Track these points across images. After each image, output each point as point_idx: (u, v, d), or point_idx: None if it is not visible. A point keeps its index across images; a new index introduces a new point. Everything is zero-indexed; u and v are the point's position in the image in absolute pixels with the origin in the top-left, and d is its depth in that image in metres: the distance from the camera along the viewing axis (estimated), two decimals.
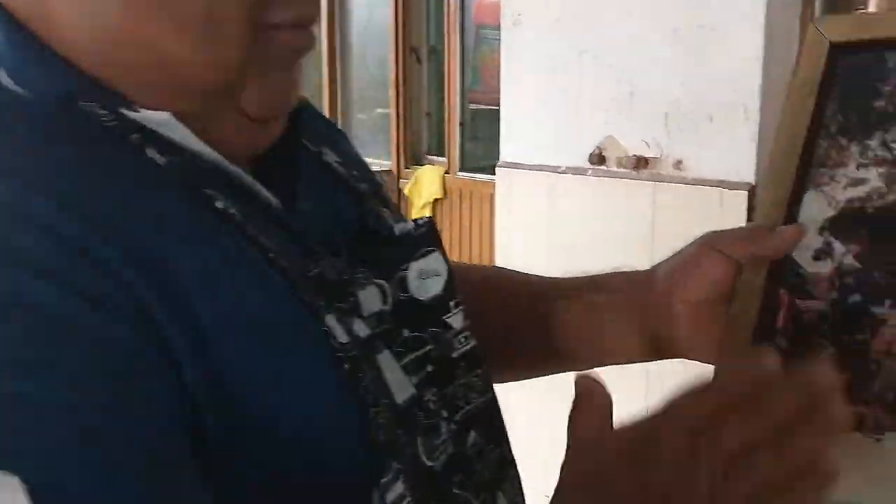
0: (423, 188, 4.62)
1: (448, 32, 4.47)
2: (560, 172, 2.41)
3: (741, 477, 0.42)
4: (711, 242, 0.67)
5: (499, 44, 2.48)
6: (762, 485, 0.42)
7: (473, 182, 4.43)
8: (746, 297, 0.66)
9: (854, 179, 0.64)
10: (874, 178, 0.64)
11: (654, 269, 0.70)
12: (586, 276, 0.75)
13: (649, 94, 2.21)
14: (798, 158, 0.66)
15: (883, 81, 0.63)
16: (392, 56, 4.72)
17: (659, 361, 0.71)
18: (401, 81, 4.71)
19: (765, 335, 0.64)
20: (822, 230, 0.65)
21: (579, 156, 2.35)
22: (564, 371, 0.73)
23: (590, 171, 2.30)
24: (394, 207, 0.66)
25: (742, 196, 1.95)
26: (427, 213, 4.55)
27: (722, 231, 0.67)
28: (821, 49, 0.64)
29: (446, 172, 4.56)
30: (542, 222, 2.44)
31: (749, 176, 1.92)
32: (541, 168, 2.39)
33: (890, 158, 0.63)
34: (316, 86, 4.92)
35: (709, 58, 2.08)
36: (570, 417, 0.47)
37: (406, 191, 4.71)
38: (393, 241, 0.60)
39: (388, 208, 0.64)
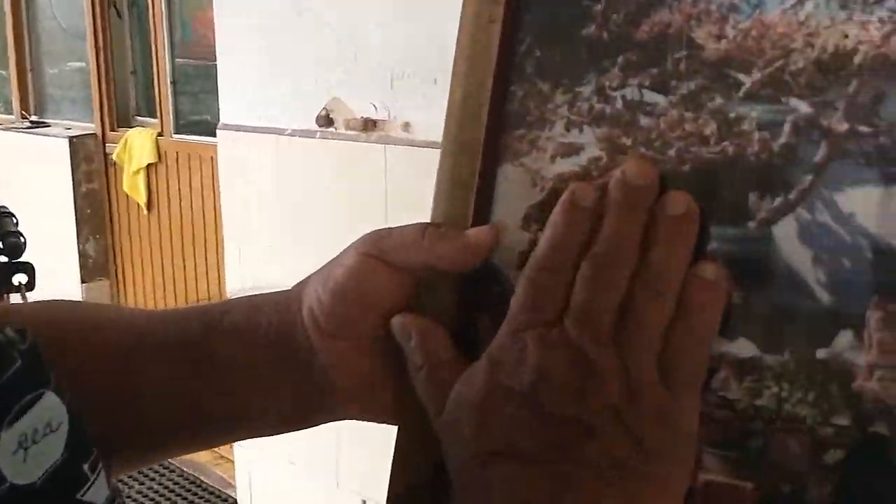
0: (133, 153, 4.14)
1: None
2: (287, 135, 2.26)
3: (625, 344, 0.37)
4: (375, 249, 0.44)
5: None
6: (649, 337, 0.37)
7: (191, 145, 3.94)
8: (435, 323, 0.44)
9: (564, 145, 0.44)
10: (591, 142, 0.43)
11: (304, 289, 0.46)
12: (242, 302, 0.49)
13: (374, 55, 2.09)
14: (484, 117, 0.44)
15: None
16: (87, 6, 4.29)
17: None
18: (99, 34, 4.29)
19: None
20: (527, 222, 0.44)
21: (306, 118, 2.22)
22: (246, 436, 0.48)
23: (318, 134, 2.18)
24: None
25: None
26: (140, 179, 4.12)
27: (390, 231, 0.45)
28: None
29: (159, 135, 4.10)
30: (271, 187, 2.33)
31: None
32: (266, 130, 2.25)
33: (611, 113, 0.43)
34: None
35: (433, 19, 1.97)
36: None
37: (115, 156, 4.24)
38: None
39: None
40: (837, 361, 0.37)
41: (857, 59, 0.38)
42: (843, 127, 0.38)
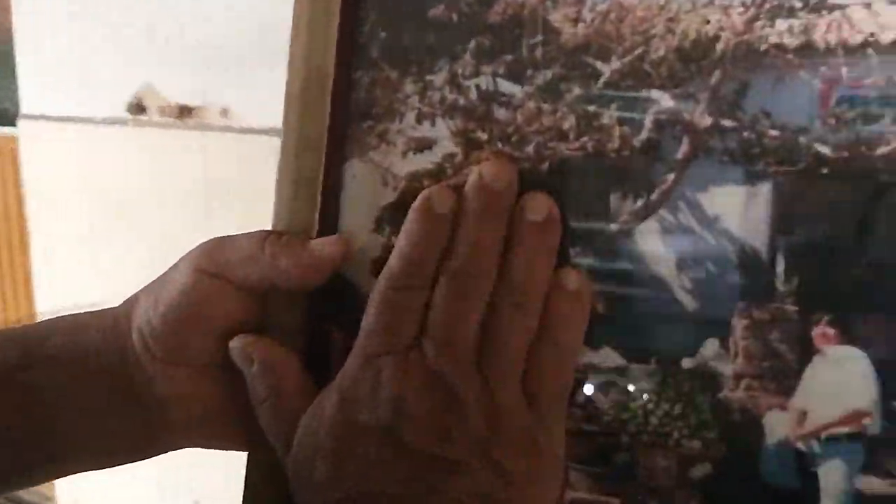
0: None
1: None
2: (96, 124, 2.12)
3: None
4: (211, 264, 0.40)
5: None
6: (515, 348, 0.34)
7: None
8: (280, 346, 0.40)
9: (416, 139, 0.40)
10: (444, 136, 0.40)
11: (134, 308, 0.42)
12: (65, 324, 0.44)
13: (189, 37, 1.97)
14: (327, 108, 0.40)
15: None
16: None
17: None
18: None
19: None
20: (379, 224, 0.41)
21: (116, 106, 2.08)
22: (73, 472, 0.44)
23: (130, 122, 2.06)
24: None
25: None
26: None
27: (226, 241, 0.40)
28: None
29: None
30: (82, 180, 2.18)
31: None
32: (72, 119, 2.11)
33: (464, 104, 0.39)
34: None
35: (249, 1, 1.87)
36: None
37: None
38: None
39: None
40: (704, 370, 0.35)
41: (719, 47, 0.36)
42: (706, 121, 0.36)
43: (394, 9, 0.40)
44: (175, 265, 0.41)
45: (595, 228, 0.37)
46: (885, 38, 0.34)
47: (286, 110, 0.41)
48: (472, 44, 0.39)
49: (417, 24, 0.40)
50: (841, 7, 0.34)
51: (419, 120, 0.40)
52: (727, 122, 0.35)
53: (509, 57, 0.38)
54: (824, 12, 0.34)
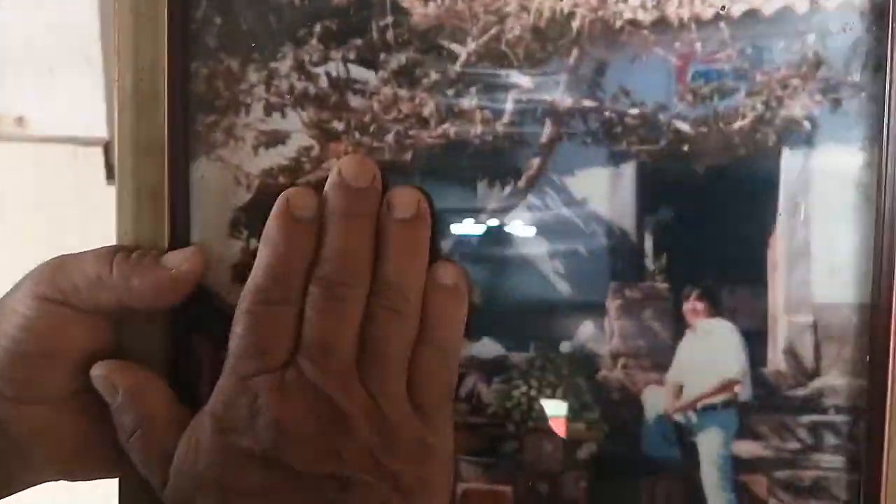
0: None
1: None
2: None
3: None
4: (54, 290, 0.36)
5: None
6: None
7: None
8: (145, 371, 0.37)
9: (267, 133, 0.37)
10: (297, 128, 0.37)
11: None
12: None
13: None
14: (165, 105, 0.37)
15: None
16: None
17: None
18: None
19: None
20: (235, 228, 0.38)
21: None
22: None
23: None
24: None
25: (97, 152, 1.81)
26: None
27: (67, 263, 0.36)
28: None
29: None
30: None
31: (101, 131, 1.77)
32: None
33: (316, 92, 0.37)
34: None
35: (47, 3, 1.72)
36: None
37: None
38: None
39: None
40: (581, 353, 0.36)
41: (574, 25, 0.35)
42: (567, 102, 0.35)
43: None
44: (11, 293, 0.37)
45: (465, 218, 0.36)
46: (736, 10, 0.34)
47: (119, 113, 0.37)
48: (318, 27, 0.36)
49: (256, 8, 0.36)
50: None
51: (268, 112, 0.37)
52: (588, 103, 0.35)
53: (359, 41, 0.36)
54: None
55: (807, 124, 0.34)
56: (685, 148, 0.34)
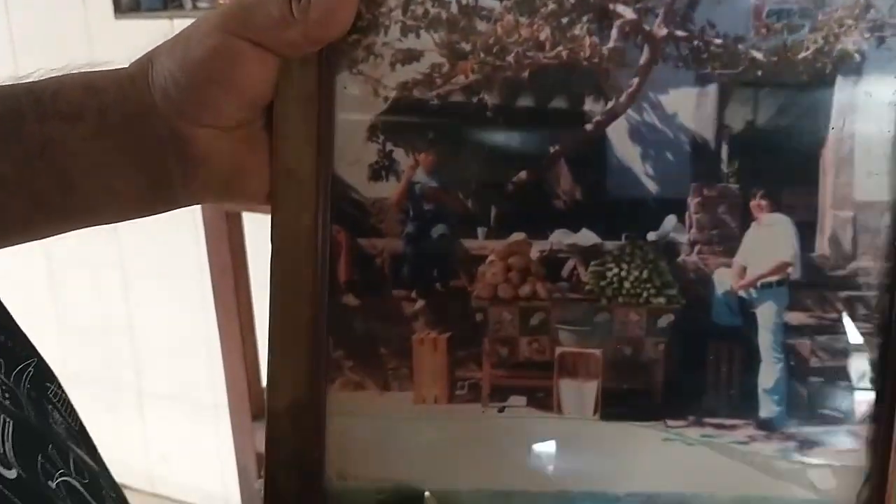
0: None
1: None
2: None
3: None
4: (241, 27, 0.41)
5: None
6: None
7: None
8: (293, 250, 0.44)
9: (403, 52, 0.44)
10: (430, 48, 0.44)
11: (152, 66, 0.43)
12: (74, 81, 0.44)
13: None
14: None
15: None
16: None
17: None
18: None
19: (319, 300, 0.44)
20: (373, 133, 0.45)
21: None
22: (83, 226, 0.46)
23: None
24: None
25: None
26: None
27: (249, 6, 0.41)
28: None
29: None
30: None
31: None
32: None
33: (446, 17, 0.43)
34: None
35: None
36: None
37: None
38: None
39: None
40: (665, 241, 0.44)
41: None
42: (663, 32, 0.42)
43: None
44: (196, 26, 0.41)
45: (572, 128, 0.43)
46: None
47: None
48: None
49: None
50: None
51: (404, 33, 0.43)
52: (680, 33, 0.42)
53: None
54: None
55: (857, 56, 0.42)
56: (759, 73, 0.42)
